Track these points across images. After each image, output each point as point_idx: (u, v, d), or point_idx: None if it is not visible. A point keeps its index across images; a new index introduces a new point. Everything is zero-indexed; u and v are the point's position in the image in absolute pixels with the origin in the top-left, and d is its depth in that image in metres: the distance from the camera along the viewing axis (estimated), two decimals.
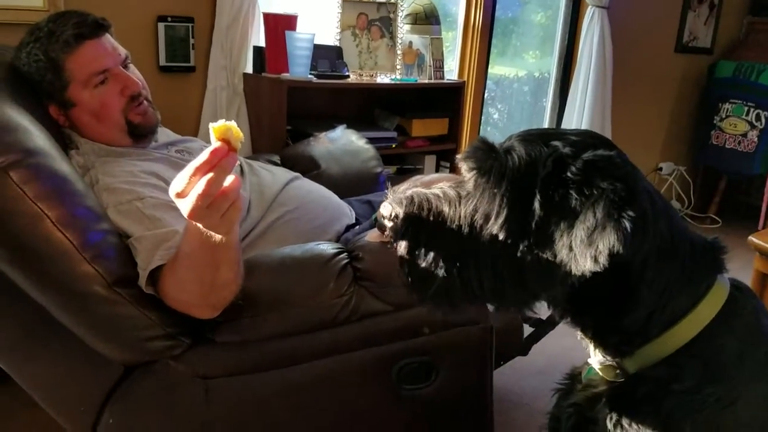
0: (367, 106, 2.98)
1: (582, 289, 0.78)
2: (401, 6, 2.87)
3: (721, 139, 4.20)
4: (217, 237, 0.98)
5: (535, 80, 4.15)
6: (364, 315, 1.33)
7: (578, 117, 3.72)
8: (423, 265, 0.80)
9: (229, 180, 0.91)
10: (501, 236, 0.77)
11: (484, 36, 3.34)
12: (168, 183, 1.38)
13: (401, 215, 0.81)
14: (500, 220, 0.77)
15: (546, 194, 0.75)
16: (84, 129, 1.47)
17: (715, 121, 4.22)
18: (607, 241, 0.70)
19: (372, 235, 1.38)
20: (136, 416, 1.25)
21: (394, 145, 2.76)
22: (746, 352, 0.82)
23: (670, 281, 0.80)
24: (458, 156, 0.85)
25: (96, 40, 1.44)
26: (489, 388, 1.48)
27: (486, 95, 3.57)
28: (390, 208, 0.83)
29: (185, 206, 0.92)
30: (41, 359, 1.26)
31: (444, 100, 3.01)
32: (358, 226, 1.69)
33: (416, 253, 0.81)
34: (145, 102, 1.52)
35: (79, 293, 1.12)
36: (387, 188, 0.88)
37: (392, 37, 2.88)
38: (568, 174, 0.74)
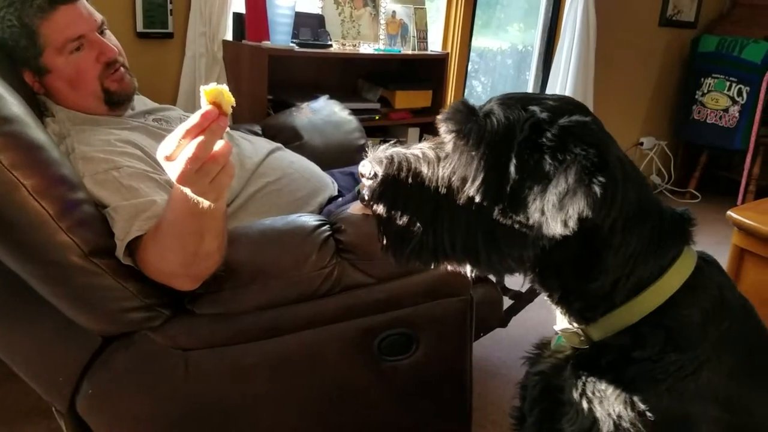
0: (349, 77, 2.95)
1: (551, 253, 0.79)
2: None
3: (702, 113, 4.22)
4: (205, 204, 0.95)
5: (518, 53, 4.13)
6: (346, 287, 1.33)
7: (561, 90, 3.71)
8: (399, 224, 0.81)
9: (219, 145, 0.89)
10: (477, 198, 0.78)
11: (468, 7, 3.31)
12: (145, 152, 1.37)
13: (380, 175, 0.82)
14: (477, 183, 0.78)
15: (522, 158, 0.76)
16: (59, 96, 1.44)
17: (696, 96, 4.23)
18: (577, 206, 0.71)
19: (354, 207, 1.37)
20: (115, 387, 1.24)
21: (377, 117, 2.74)
22: (710, 324, 0.83)
23: (636, 249, 0.81)
24: (438, 117, 0.84)
25: (71, 5, 1.40)
26: (468, 359, 1.50)
27: (469, 68, 3.55)
28: (369, 167, 0.83)
29: (174, 170, 0.89)
30: (18, 329, 1.25)
31: (427, 71, 2.98)
32: (340, 198, 1.68)
33: (393, 212, 0.82)
34: (121, 69, 1.49)
35: (56, 263, 1.10)
36: (367, 148, 0.88)
37: (375, 6, 2.84)
38: (544, 139, 0.75)
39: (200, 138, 0.86)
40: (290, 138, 2.02)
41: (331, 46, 2.62)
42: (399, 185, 0.82)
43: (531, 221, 0.75)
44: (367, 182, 0.83)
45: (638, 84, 4.36)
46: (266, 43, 2.38)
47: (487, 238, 0.79)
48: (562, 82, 3.72)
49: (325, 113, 2.18)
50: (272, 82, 2.39)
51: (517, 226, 0.76)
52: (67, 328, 1.20)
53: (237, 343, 1.28)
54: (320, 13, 2.70)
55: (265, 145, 1.73)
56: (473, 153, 0.78)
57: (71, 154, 1.31)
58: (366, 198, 0.84)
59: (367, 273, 1.34)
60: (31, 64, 1.41)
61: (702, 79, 4.19)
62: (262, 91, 2.39)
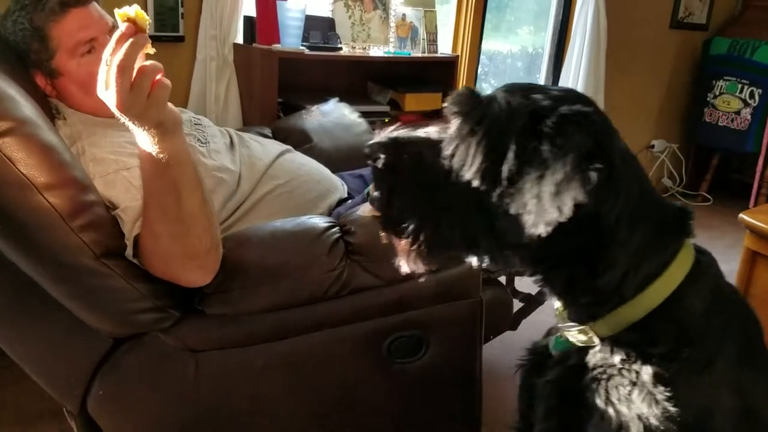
0: (359, 79, 2.95)
1: (554, 245, 0.78)
2: None
3: (714, 116, 4.19)
4: (162, 148, 1.01)
5: (528, 56, 4.12)
6: (356, 289, 1.33)
7: None
8: (399, 205, 0.82)
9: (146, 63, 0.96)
10: (475, 182, 0.77)
11: (478, 10, 3.31)
12: None
13: (383, 157, 0.83)
14: (474, 167, 0.77)
15: (521, 144, 0.76)
16: (71, 99, 1.45)
17: (708, 98, 4.21)
18: (572, 192, 0.71)
19: (364, 210, 1.37)
20: (126, 388, 1.25)
21: (387, 120, 2.74)
22: (712, 315, 0.84)
23: (642, 243, 0.82)
24: (445, 102, 0.85)
25: (82, 8, 1.41)
26: (478, 361, 1.49)
27: (479, 70, 3.54)
28: (374, 148, 0.85)
29: (110, 97, 0.96)
30: (30, 330, 1.25)
31: (437, 74, 2.98)
32: (350, 201, 1.68)
33: (393, 194, 0.83)
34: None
35: (67, 264, 1.11)
36: (374, 129, 0.90)
37: (385, 8, 2.84)
38: (543, 126, 0.75)
39: (121, 51, 0.93)
40: (300, 140, 2.03)
41: (341, 49, 2.62)
42: (401, 169, 0.83)
43: (527, 208, 0.74)
44: (371, 163, 0.85)
45: (649, 86, 4.34)
46: (277, 46, 2.38)
47: (485, 224, 0.79)
48: (573, 85, 3.70)
49: (335, 116, 2.18)
50: (282, 85, 2.40)
51: (514, 212, 0.76)
52: (78, 330, 1.20)
53: (247, 345, 1.28)
54: (330, 16, 2.71)
55: (275, 147, 1.73)
56: (473, 136, 0.78)
57: (82, 156, 1.32)
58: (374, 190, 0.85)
59: (376, 275, 1.33)
60: (42, 66, 1.41)
61: (713, 82, 4.16)
62: (272, 94, 2.39)
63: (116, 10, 0.97)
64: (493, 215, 0.78)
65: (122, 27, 0.95)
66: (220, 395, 1.29)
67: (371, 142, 0.85)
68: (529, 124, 0.76)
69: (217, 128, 1.68)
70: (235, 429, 1.33)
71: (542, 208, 0.73)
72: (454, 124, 0.82)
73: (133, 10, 0.96)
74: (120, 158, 1.31)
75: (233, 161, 1.57)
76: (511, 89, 0.81)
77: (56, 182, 1.10)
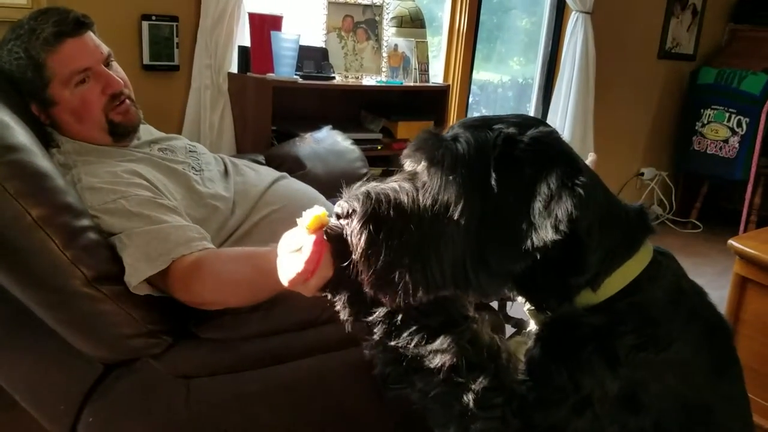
0: (352, 108, 2.98)
1: (536, 265, 0.80)
2: (387, 9, 2.88)
3: (702, 144, 4.24)
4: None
5: (518, 86, 4.17)
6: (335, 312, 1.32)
7: (561, 122, 3.74)
8: (384, 258, 0.79)
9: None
10: (462, 221, 0.78)
11: (469, 41, 3.36)
12: (151, 183, 1.38)
13: (359, 211, 0.80)
14: (460, 206, 0.78)
15: (500, 172, 0.78)
16: (65, 127, 1.46)
17: (696, 127, 4.26)
18: (565, 208, 0.73)
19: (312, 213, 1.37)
20: (117, 415, 1.23)
21: (379, 147, 2.77)
22: (676, 303, 0.87)
23: (612, 246, 0.85)
24: (405, 151, 0.85)
25: (77, 38, 1.43)
26: None
27: (470, 100, 3.58)
28: (346, 206, 0.81)
29: (284, 276, 0.95)
30: (20, 357, 1.25)
31: (429, 103, 3.01)
32: None
33: (376, 248, 0.79)
34: (126, 101, 1.51)
35: (60, 290, 1.11)
36: (342, 190, 0.86)
37: (378, 39, 2.88)
38: (518, 151, 0.77)
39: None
40: (293, 167, 2.04)
41: (334, 78, 2.65)
42: (380, 219, 0.79)
43: (519, 233, 0.76)
44: (344, 222, 0.81)
45: (638, 115, 4.39)
46: (271, 76, 2.41)
47: (475, 259, 0.79)
48: (562, 114, 3.75)
49: (328, 143, 2.20)
50: (276, 113, 2.42)
51: (505, 241, 0.77)
52: (69, 357, 1.20)
53: (239, 371, 1.27)
54: (324, 46, 2.75)
55: (270, 173, 1.74)
56: (450, 177, 0.79)
57: (77, 185, 1.32)
58: (345, 237, 0.81)
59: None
60: (37, 95, 1.42)
61: (702, 111, 4.22)
62: (266, 121, 2.41)
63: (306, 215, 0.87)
64: (484, 249, 0.79)
65: (310, 243, 0.86)
66: (212, 422, 1.28)
67: (342, 200, 0.82)
68: (505, 152, 0.78)
69: (211, 155, 1.69)
70: None
71: (536, 229, 0.74)
72: (425, 169, 0.82)
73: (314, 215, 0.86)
74: (117, 188, 1.31)
75: (227, 188, 1.58)
76: (470, 124, 0.83)
77: (49, 208, 1.11)
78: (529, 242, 0.75)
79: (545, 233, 0.74)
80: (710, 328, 0.90)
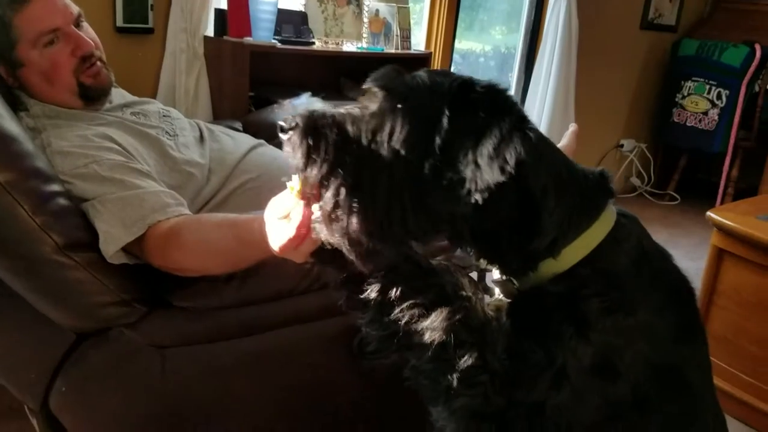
0: (332, 75, 2.94)
1: (485, 217, 0.80)
2: None
3: (682, 116, 4.26)
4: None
5: (501, 55, 4.14)
6: (325, 284, 1.31)
7: (542, 93, 3.73)
8: (320, 170, 0.77)
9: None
10: (402, 152, 0.77)
11: (452, 8, 3.32)
12: (122, 147, 1.35)
13: (301, 125, 0.79)
14: (403, 135, 0.78)
15: (454, 112, 0.78)
16: (34, 90, 1.41)
17: (677, 99, 4.27)
18: (514, 149, 0.73)
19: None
20: (89, 384, 1.22)
21: None
22: (639, 267, 0.87)
23: (570, 209, 0.85)
24: (367, 79, 0.84)
25: None
26: None
27: (452, 68, 3.55)
28: (290, 119, 0.80)
29: (274, 242, 0.95)
30: None
31: (410, 71, 2.97)
32: None
33: (314, 163, 0.77)
34: (98, 63, 1.46)
35: (29, 257, 1.08)
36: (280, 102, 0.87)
37: (359, 4, 2.83)
38: (474, 95, 0.78)
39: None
40: (271, 134, 1.99)
41: (313, 43, 2.61)
42: (320, 135, 0.78)
43: (463, 175, 0.75)
44: (286, 135, 0.79)
45: (619, 86, 4.39)
46: (248, 40, 2.36)
47: (414, 196, 0.78)
48: (544, 84, 3.73)
49: None
50: (254, 79, 2.37)
51: (448, 182, 0.76)
52: (41, 326, 1.18)
53: (214, 341, 1.26)
54: (303, 10, 2.69)
55: (246, 141, 1.71)
56: (400, 106, 0.79)
57: (47, 149, 1.29)
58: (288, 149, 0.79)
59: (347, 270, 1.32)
60: (4, 57, 1.37)
61: (682, 82, 4.23)
62: (243, 87, 2.37)
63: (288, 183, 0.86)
64: (425, 187, 0.78)
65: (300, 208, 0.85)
66: (187, 392, 1.26)
67: (286, 117, 0.81)
68: (460, 95, 0.79)
69: (186, 120, 1.65)
70: (203, 426, 1.31)
71: (481, 171, 0.74)
72: (379, 97, 0.81)
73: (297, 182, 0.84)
74: (88, 152, 1.28)
75: (202, 155, 1.55)
76: (432, 71, 0.85)
77: (18, 173, 1.08)
78: (473, 185, 0.75)
79: (490, 175, 0.73)
80: (674, 290, 0.91)
